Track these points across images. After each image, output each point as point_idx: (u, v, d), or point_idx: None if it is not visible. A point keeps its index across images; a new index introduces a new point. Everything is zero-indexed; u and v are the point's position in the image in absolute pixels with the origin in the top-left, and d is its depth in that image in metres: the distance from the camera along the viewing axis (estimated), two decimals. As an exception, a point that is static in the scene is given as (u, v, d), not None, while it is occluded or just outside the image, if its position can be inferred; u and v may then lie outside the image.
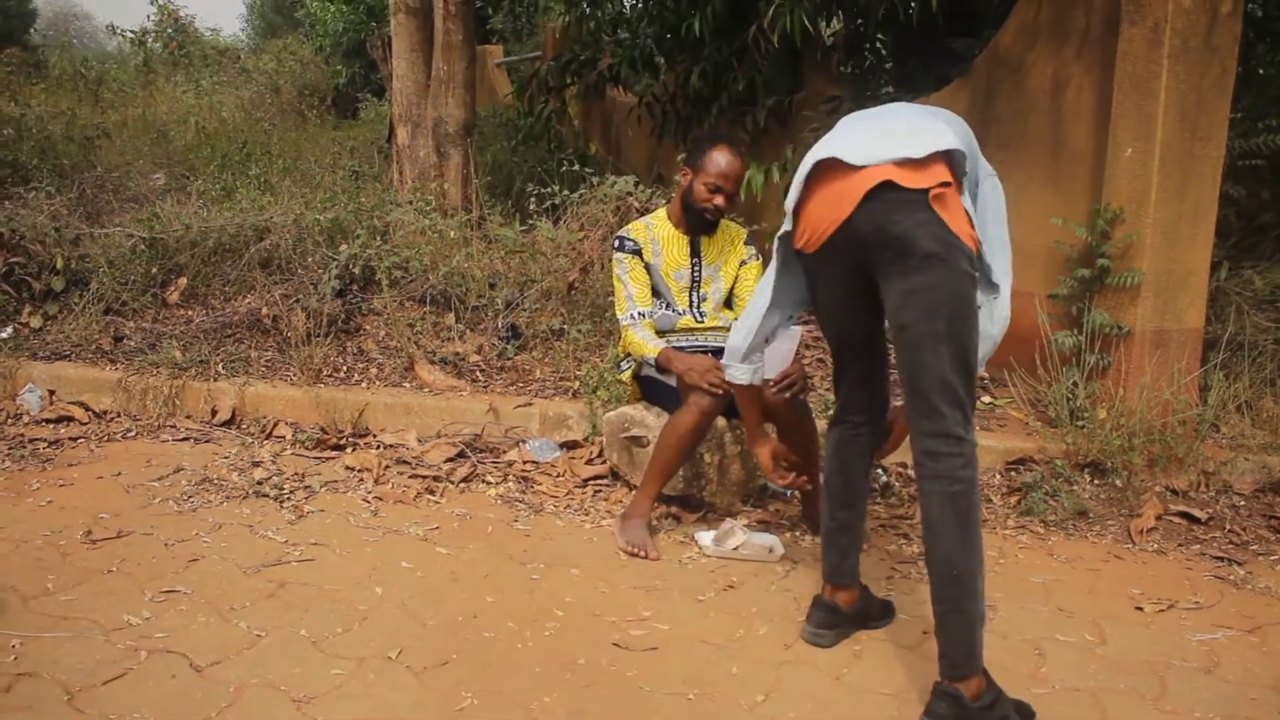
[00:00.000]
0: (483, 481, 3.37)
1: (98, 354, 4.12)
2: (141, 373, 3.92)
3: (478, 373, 4.07)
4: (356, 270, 4.40)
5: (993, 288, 2.11)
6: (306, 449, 3.58)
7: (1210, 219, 3.55)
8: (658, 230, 3.12)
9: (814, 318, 4.22)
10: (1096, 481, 3.39)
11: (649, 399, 3.23)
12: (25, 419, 3.78)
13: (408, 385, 3.98)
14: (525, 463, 3.50)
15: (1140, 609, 2.61)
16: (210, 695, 2.03)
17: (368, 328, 4.36)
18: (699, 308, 3.14)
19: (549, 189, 4.89)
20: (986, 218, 2.13)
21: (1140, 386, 3.49)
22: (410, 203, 4.90)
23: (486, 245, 4.73)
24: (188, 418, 3.84)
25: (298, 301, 4.25)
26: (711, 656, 2.28)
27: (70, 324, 4.29)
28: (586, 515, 3.13)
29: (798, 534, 3.04)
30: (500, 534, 2.96)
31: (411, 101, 5.69)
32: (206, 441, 3.64)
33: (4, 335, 4.19)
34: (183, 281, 4.55)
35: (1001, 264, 2.13)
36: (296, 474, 3.33)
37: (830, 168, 2.07)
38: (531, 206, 4.87)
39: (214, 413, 3.83)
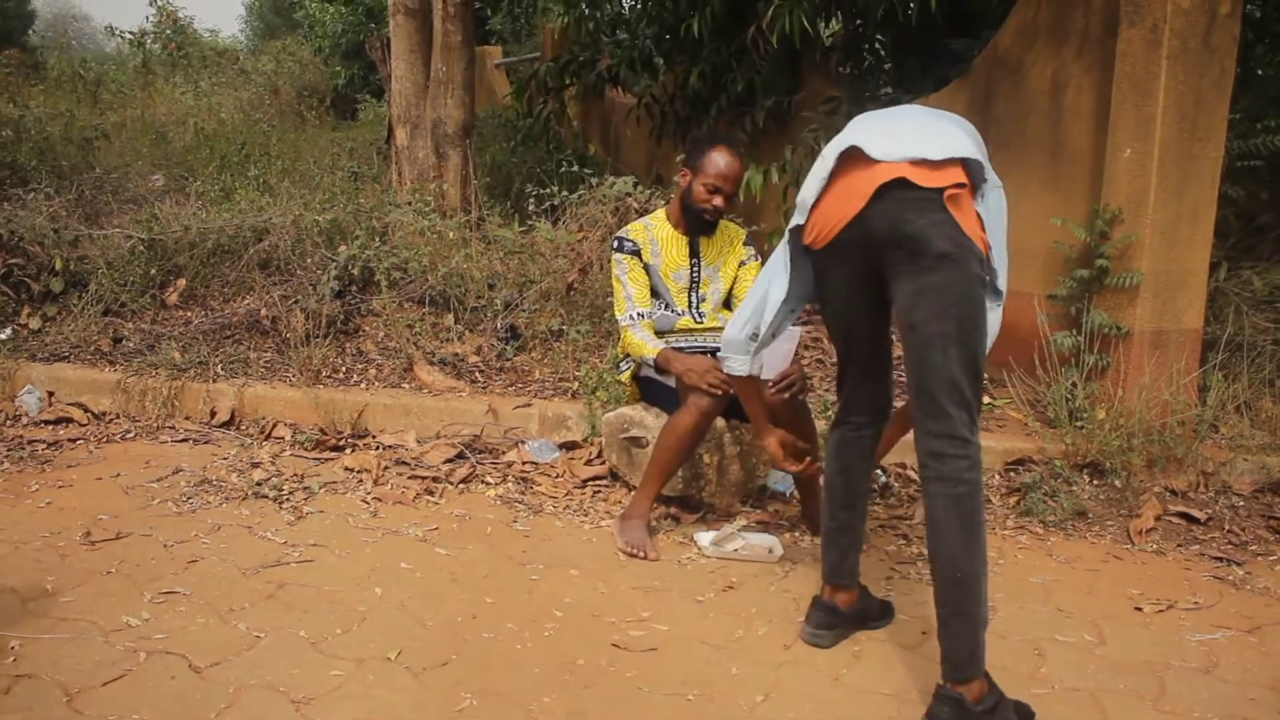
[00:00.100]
0: (482, 482, 3.37)
1: (96, 355, 4.11)
2: (140, 374, 3.91)
3: (477, 373, 4.07)
4: (355, 271, 4.40)
5: (997, 294, 2.10)
6: (305, 450, 3.58)
7: (1209, 219, 3.56)
8: (657, 231, 3.12)
9: (816, 317, 4.20)
10: (1095, 482, 3.40)
11: (648, 400, 3.23)
12: (24, 420, 3.78)
13: (407, 386, 3.98)
14: (524, 463, 3.50)
15: (1139, 609, 2.61)
16: (209, 696, 2.03)
17: (367, 329, 4.36)
18: (698, 308, 3.14)
19: (548, 190, 4.89)
20: (991, 227, 2.13)
21: (1139, 387, 3.49)
22: (409, 204, 4.90)
23: (485, 246, 4.73)
24: (187, 419, 3.84)
25: (297, 302, 4.25)
26: (711, 657, 2.28)
27: (69, 325, 4.28)
28: (586, 516, 3.13)
29: (797, 534, 3.04)
30: (499, 535, 2.96)
31: (410, 102, 5.69)
32: (205, 443, 3.64)
33: (3, 337, 4.18)
34: (181, 283, 4.55)
35: (1001, 275, 2.13)
36: (295, 475, 3.33)
37: (847, 160, 2.05)
38: (530, 207, 4.87)
39: (213, 414, 3.83)
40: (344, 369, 4.09)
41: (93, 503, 3.05)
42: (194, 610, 2.39)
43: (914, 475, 3.47)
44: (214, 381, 3.91)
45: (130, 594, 2.46)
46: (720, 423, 3.11)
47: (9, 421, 3.77)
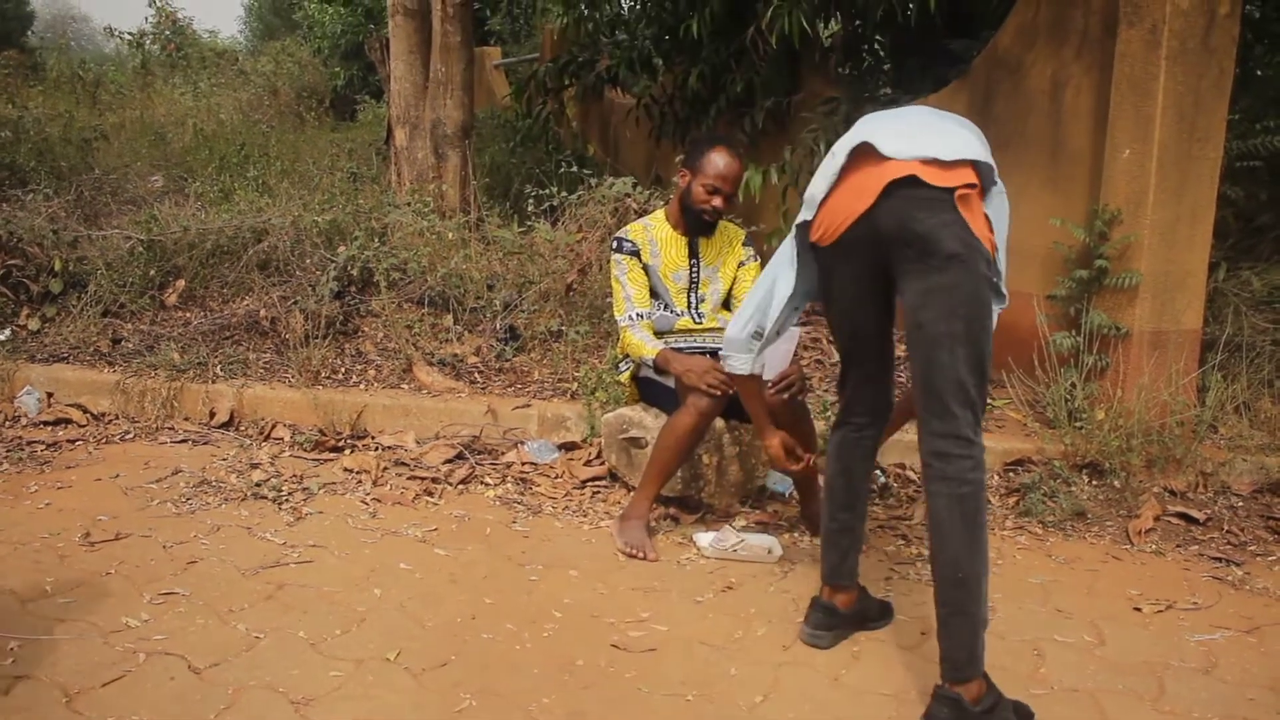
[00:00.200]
0: (481, 483, 3.37)
1: (96, 356, 4.11)
2: (139, 375, 3.91)
3: (476, 374, 4.07)
4: (355, 272, 4.40)
5: (1001, 297, 2.10)
6: (305, 451, 3.58)
7: (1208, 220, 3.56)
8: (656, 231, 3.12)
9: (815, 317, 4.19)
10: (1095, 482, 3.40)
11: (647, 400, 3.23)
12: (23, 421, 3.78)
13: (406, 387, 3.98)
14: (524, 464, 3.50)
15: (1138, 610, 2.61)
16: (209, 697, 2.03)
17: (366, 329, 4.36)
18: (697, 309, 3.14)
19: (547, 190, 4.89)
20: (995, 230, 2.13)
21: (1138, 387, 3.49)
22: (408, 204, 4.89)
23: (485, 247, 4.73)
24: (186, 420, 3.84)
25: (296, 303, 4.25)
26: (710, 658, 2.28)
27: (68, 326, 4.28)
28: (585, 516, 3.13)
29: (796, 535, 3.04)
30: (499, 535, 2.96)
31: (409, 103, 5.69)
32: (205, 443, 3.64)
33: (2, 338, 4.18)
34: (181, 283, 4.55)
35: (1003, 277, 2.12)
36: (295, 476, 3.33)
37: (858, 157, 2.04)
38: (529, 208, 4.87)
39: (212, 415, 3.83)
40: (343, 370, 4.09)
41: (92, 504, 3.05)
42: (193, 611, 2.39)
43: (913, 476, 3.47)
44: (213, 382, 3.91)
45: (129, 595, 2.46)
46: (719, 423, 3.11)
47: (8, 422, 3.76)
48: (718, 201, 2.98)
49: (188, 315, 4.44)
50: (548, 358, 4.18)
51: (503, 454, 3.58)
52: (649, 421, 3.15)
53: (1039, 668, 2.28)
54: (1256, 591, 2.76)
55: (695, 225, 3.06)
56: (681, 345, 3.05)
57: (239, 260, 4.57)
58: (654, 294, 3.12)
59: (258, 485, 3.21)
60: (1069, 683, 2.22)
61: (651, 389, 3.15)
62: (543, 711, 2.03)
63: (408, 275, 4.46)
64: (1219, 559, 2.95)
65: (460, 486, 3.33)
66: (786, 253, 2.25)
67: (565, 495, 3.29)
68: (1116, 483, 3.36)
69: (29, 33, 21.16)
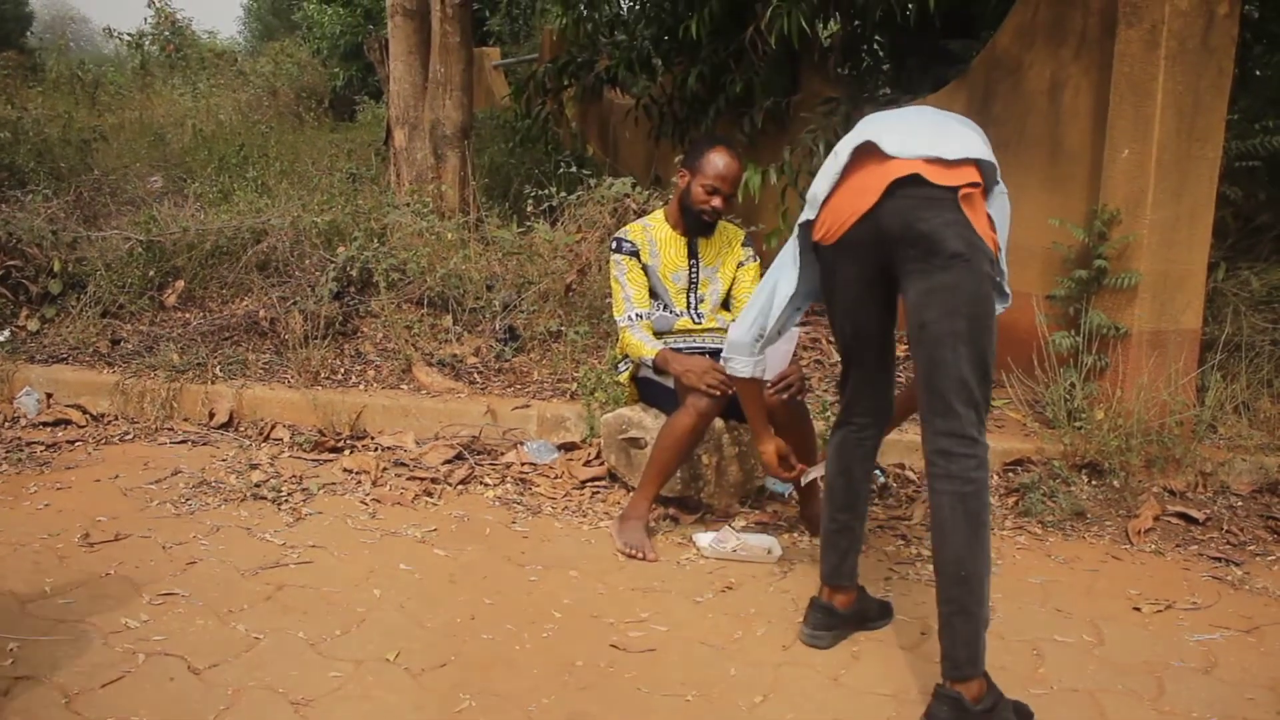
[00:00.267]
0: (480, 483, 3.37)
1: (95, 357, 4.11)
2: (139, 375, 3.91)
3: (475, 375, 4.07)
4: (354, 272, 4.40)
5: (1004, 296, 2.10)
6: (304, 451, 3.57)
7: (1207, 220, 3.56)
8: (655, 232, 3.12)
9: (814, 317, 4.19)
10: (1094, 482, 3.40)
11: (647, 400, 3.23)
12: (22, 422, 3.78)
13: (405, 387, 3.98)
14: (523, 464, 3.50)
15: (1138, 609, 2.61)
16: (208, 698, 2.03)
17: (365, 330, 4.36)
18: (696, 309, 3.14)
19: (546, 191, 4.89)
20: (997, 229, 2.13)
21: (1138, 387, 3.49)
22: (408, 205, 4.89)
23: (484, 247, 4.73)
24: (185, 420, 3.84)
25: (295, 304, 4.25)
26: (709, 658, 2.28)
27: (67, 327, 4.28)
28: (584, 517, 3.13)
29: (796, 535, 3.04)
30: (498, 536, 2.96)
31: (409, 104, 5.69)
32: (204, 444, 3.64)
33: (1, 338, 4.18)
34: (180, 284, 4.55)
35: (1006, 276, 2.12)
36: (294, 476, 3.33)
37: (861, 156, 2.04)
38: (529, 208, 4.87)
39: (211, 415, 3.82)
40: (342, 370, 4.08)
41: (91, 504, 3.05)
42: (193, 612, 2.39)
43: (912, 476, 3.47)
44: (212, 383, 3.90)
45: (129, 596, 2.46)
46: (719, 423, 3.11)
47: (7, 423, 3.76)
48: (717, 202, 2.98)
49: (187, 316, 4.44)
50: (547, 358, 4.18)
51: (502, 454, 3.58)
52: (648, 422, 3.15)
53: (1038, 667, 2.28)
54: (1256, 591, 2.76)
55: (694, 225, 3.06)
56: (681, 345, 3.05)
57: (238, 261, 4.57)
58: (653, 294, 3.12)
59: (257, 486, 3.21)
60: (1068, 683, 2.22)
61: (651, 389, 3.16)
62: (542, 711, 2.03)
63: (407, 276, 4.46)
64: (1218, 559, 2.95)
65: (460, 487, 3.33)
66: (789, 253, 2.25)
67: (565, 496, 3.29)
68: (1116, 483, 3.36)
69: (28, 33, 21.16)
